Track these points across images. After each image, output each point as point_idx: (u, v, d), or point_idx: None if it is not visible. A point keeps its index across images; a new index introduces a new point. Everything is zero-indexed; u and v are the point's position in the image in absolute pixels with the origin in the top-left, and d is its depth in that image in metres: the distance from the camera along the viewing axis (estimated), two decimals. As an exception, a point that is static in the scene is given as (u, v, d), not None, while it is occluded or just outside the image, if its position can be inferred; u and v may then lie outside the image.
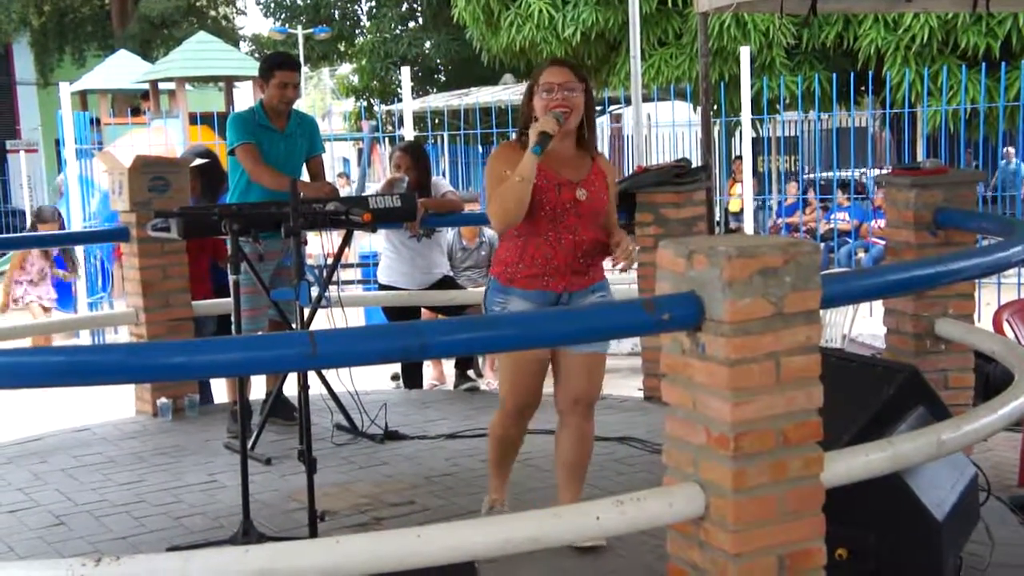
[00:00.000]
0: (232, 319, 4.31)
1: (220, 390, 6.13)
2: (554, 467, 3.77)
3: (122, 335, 9.55)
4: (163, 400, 5.66)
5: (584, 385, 3.63)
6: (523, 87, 6.63)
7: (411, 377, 6.68)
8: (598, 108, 16.82)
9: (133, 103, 19.27)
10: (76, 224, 10.43)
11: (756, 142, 13.54)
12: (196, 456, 4.99)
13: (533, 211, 3.50)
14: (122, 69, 17.91)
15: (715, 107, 11.77)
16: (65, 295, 10.41)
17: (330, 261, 5.27)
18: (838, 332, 7.41)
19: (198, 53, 15.75)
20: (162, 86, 16.71)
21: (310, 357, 2.24)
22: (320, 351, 2.23)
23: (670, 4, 14.13)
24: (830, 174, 12.95)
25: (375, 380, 7.10)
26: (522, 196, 3.44)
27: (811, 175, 14.56)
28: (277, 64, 5.20)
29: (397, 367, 7.22)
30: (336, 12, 26.30)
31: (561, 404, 3.68)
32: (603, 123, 17.69)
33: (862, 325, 8.08)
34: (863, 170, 14.87)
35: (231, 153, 5.17)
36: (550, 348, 3.55)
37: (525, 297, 3.56)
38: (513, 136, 3.76)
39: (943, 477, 3.25)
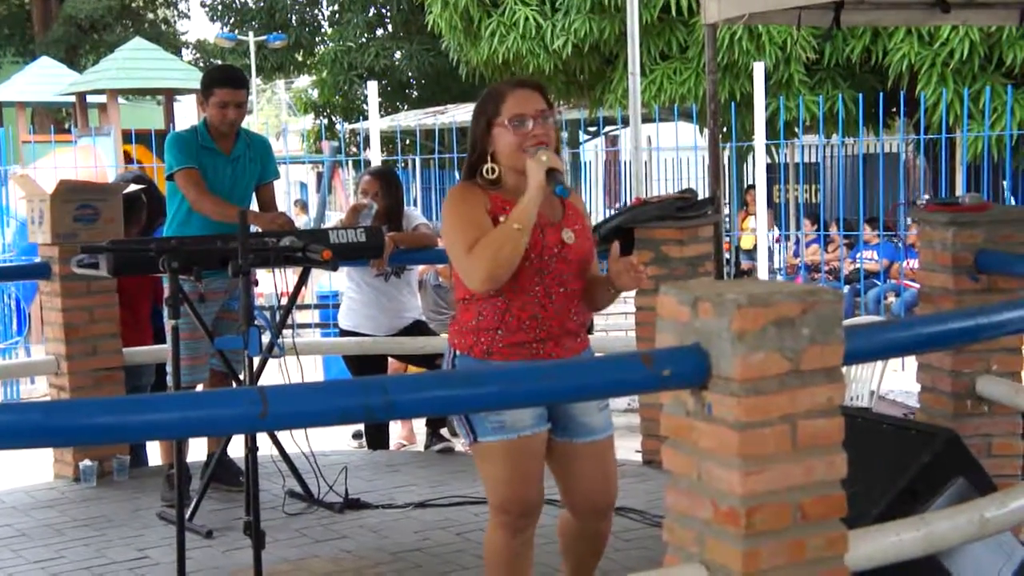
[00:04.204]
0: (168, 369, 4.30)
1: (154, 450, 6.10)
2: (553, 548, 3.68)
3: (40, 386, 9.50)
4: (87, 463, 5.62)
5: (601, 486, 3.46)
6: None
7: (375, 437, 6.67)
8: (592, 129, 16.93)
9: (57, 118, 19.29)
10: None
11: (771, 170, 13.64)
12: (124, 528, 4.96)
13: None
14: (44, 79, 17.94)
15: (724, 130, 11.86)
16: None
17: (284, 303, 5.28)
18: (865, 388, 7.43)
19: (133, 62, 15.80)
20: (91, 99, 16.75)
21: (260, 418, 2.23)
22: (271, 411, 2.22)
23: (674, 13, 14.23)
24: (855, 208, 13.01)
25: (334, 439, 7.08)
26: (521, 249, 3.21)
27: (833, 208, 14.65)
28: (217, 80, 5.22)
29: (359, 425, 7.21)
30: (293, 17, 26.46)
31: (577, 509, 3.51)
32: (597, 147, 17.74)
33: (893, 380, 8.11)
34: (893, 202, 14.99)
35: (170, 178, 5.19)
36: (545, 432, 3.37)
37: None
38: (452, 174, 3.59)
39: (987, 561, 3.25)
